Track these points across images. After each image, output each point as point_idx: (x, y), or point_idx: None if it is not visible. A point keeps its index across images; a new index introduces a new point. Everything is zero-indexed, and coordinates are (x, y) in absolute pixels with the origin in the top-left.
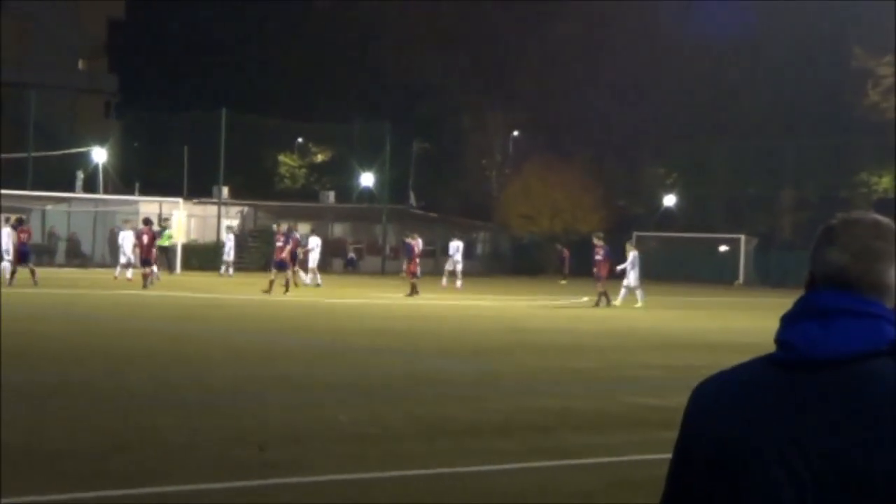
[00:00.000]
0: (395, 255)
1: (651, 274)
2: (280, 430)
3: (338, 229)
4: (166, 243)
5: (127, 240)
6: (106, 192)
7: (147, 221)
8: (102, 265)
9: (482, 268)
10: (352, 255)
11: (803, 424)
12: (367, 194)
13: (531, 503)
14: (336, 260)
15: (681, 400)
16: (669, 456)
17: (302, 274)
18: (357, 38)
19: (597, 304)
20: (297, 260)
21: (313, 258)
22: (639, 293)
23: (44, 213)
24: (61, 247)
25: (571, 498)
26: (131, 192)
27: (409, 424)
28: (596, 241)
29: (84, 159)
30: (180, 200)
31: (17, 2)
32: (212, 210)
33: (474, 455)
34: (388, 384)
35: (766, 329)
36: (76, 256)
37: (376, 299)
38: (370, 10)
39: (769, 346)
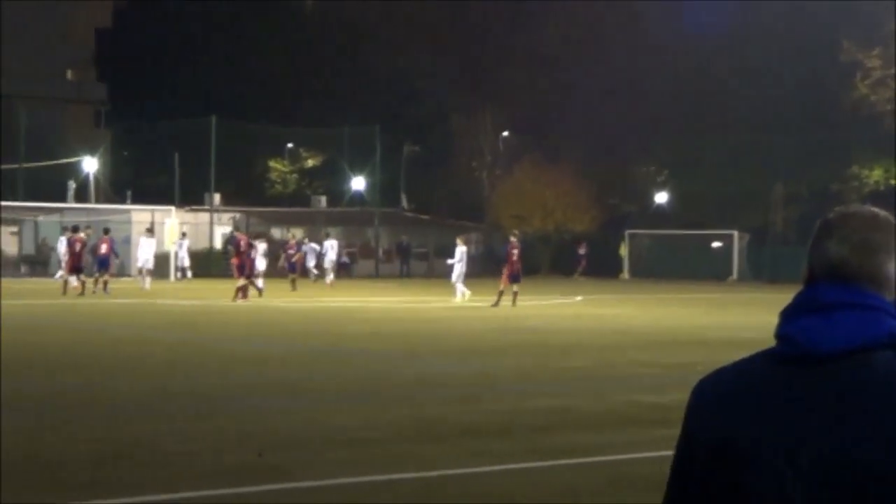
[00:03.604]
0: (387, 259)
1: (645, 271)
2: (278, 435)
3: (330, 233)
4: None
5: (62, 247)
6: (98, 201)
7: (76, 229)
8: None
9: (475, 269)
10: (345, 258)
11: (805, 419)
12: (358, 198)
13: (531, 503)
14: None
15: (678, 397)
16: (669, 453)
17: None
18: (345, 42)
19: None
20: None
21: (329, 260)
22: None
23: (36, 223)
24: (54, 257)
25: (572, 497)
26: (123, 201)
27: (408, 427)
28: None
29: (75, 169)
30: (172, 208)
31: (3, 12)
32: (204, 217)
33: (473, 456)
34: (384, 387)
35: (762, 324)
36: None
37: (371, 302)
38: (358, 12)
39: (765, 342)
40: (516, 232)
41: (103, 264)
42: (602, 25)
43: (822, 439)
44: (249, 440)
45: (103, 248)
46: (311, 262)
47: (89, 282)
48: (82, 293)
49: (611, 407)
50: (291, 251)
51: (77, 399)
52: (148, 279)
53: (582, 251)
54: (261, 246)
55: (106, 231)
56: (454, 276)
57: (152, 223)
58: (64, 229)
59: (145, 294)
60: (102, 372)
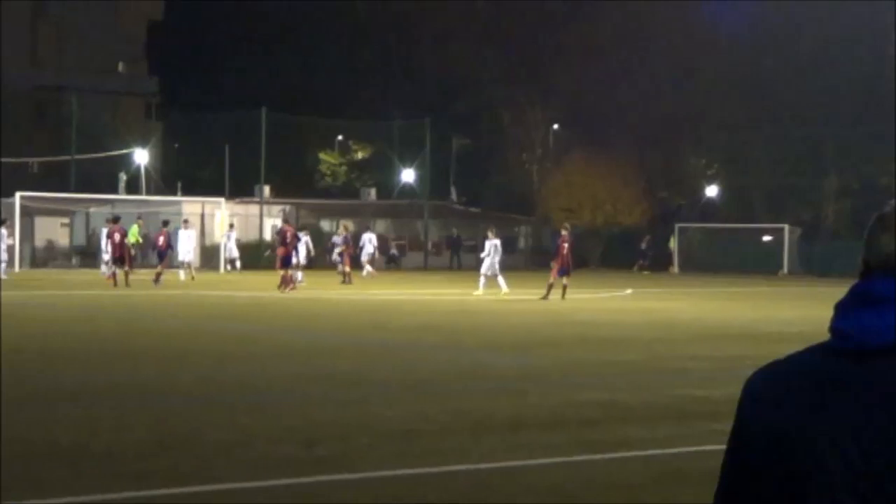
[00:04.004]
0: (437, 251)
1: (694, 265)
2: (326, 427)
3: (379, 226)
4: (132, 240)
5: (104, 238)
6: (148, 193)
7: (116, 219)
8: (146, 266)
9: (524, 262)
10: (394, 251)
11: (857, 413)
12: (408, 190)
13: (578, 497)
14: (378, 256)
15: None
16: (718, 447)
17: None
18: (396, 35)
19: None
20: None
21: (366, 253)
22: (482, 281)
23: (87, 215)
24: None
25: (619, 491)
26: (173, 193)
27: (455, 419)
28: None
29: (126, 161)
30: (222, 200)
31: (56, 6)
32: (254, 209)
33: (520, 449)
34: (433, 379)
35: (812, 318)
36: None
37: (419, 295)
38: (409, 5)
39: (816, 336)
40: (567, 225)
41: (161, 256)
42: (653, 19)
43: (873, 433)
44: (298, 432)
45: (161, 241)
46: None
47: (121, 273)
48: (115, 285)
49: (660, 401)
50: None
51: (127, 390)
52: (181, 272)
53: (644, 245)
54: (304, 238)
55: (165, 223)
56: (484, 267)
57: (201, 214)
58: (106, 221)
59: (194, 286)
60: (152, 363)
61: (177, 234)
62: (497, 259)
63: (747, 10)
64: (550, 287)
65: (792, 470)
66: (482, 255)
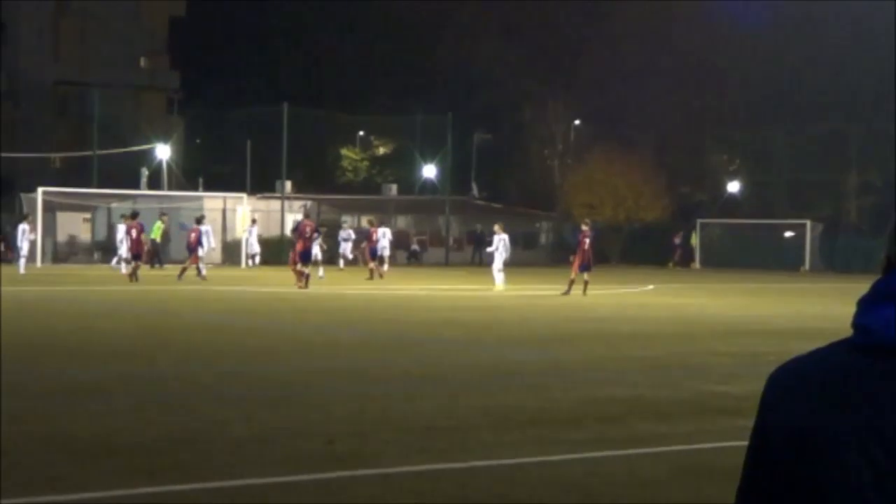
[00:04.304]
0: (458, 247)
1: (716, 261)
2: (347, 423)
3: (401, 221)
4: (156, 235)
5: (120, 234)
6: (170, 188)
7: (135, 215)
8: (170, 261)
9: (545, 258)
10: (415, 246)
11: (882, 410)
12: (429, 186)
13: (600, 493)
14: (399, 252)
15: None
16: (738, 443)
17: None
18: (417, 30)
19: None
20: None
21: (380, 247)
22: (496, 275)
23: (109, 210)
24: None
25: (640, 487)
26: (195, 188)
27: (477, 415)
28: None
29: (148, 156)
30: (244, 195)
31: (79, 1)
32: (275, 205)
33: (543, 445)
34: (454, 375)
35: (834, 314)
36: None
37: (440, 290)
38: (430, 1)
39: (838, 332)
40: (587, 220)
41: (192, 252)
42: (674, 14)
43: None
44: (320, 427)
45: (192, 237)
46: (344, 248)
47: (127, 268)
48: (135, 279)
49: (681, 396)
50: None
51: (148, 385)
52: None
53: (677, 241)
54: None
55: (198, 220)
56: (496, 264)
57: (223, 210)
58: (122, 216)
59: (215, 281)
60: (174, 358)
61: (186, 228)
62: (505, 254)
63: (770, 6)
64: (572, 283)
65: (815, 468)
66: (489, 249)
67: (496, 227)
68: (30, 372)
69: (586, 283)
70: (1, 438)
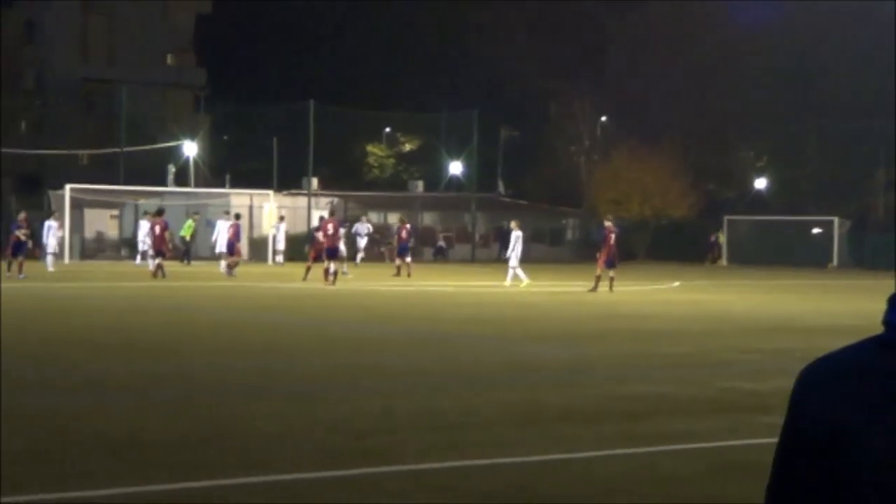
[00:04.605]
0: (484, 243)
1: (743, 258)
2: (374, 419)
3: (427, 218)
4: (186, 233)
5: (143, 230)
6: (197, 185)
7: (160, 212)
8: (197, 257)
9: (572, 254)
10: (441, 243)
11: None
12: (455, 182)
13: (625, 490)
14: (426, 248)
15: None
16: (765, 440)
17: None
18: (444, 27)
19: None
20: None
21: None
22: (509, 272)
23: (136, 207)
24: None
25: (666, 484)
26: (222, 185)
27: (503, 412)
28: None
29: (175, 153)
30: (271, 192)
31: (106, 0)
32: (302, 201)
33: (568, 442)
34: (480, 371)
35: (862, 311)
36: (169, 249)
37: (466, 287)
38: None
39: (866, 329)
40: (611, 216)
41: (230, 249)
42: (701, 10)
43: None
44: (347, 423)
45: (231, 233)
46: (360, 243)
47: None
48: (161, 275)
49: (708, 394)
50: (404, 234)
51: (178, 381)
52: (222, 263)
53: (714, 239)
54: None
55: (237, 217)
56: (513, 260)
57: (249, 207)
58: (144, 213)
59: (243, 278)
60: (201, 354)
61: (215, 225)
62: (519, 251)
63: (797, 2)
64: (598, 279)
65: (845, 465)
66: (508, 252)
67: (512, 224)
68: (59, 368)
69: (612, 279)
70: (35, 435)
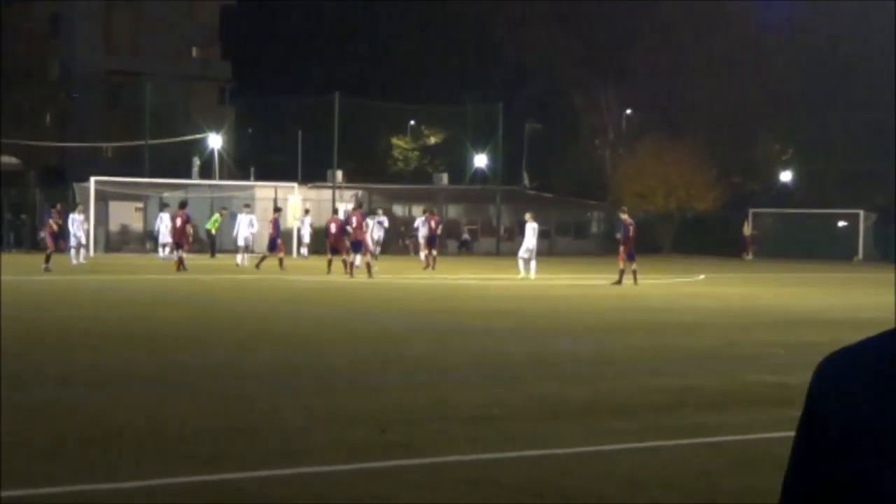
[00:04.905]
0: (508, 236)
1: (768, 251)
2: (399, 412)
3: (451, 211)
4: (212, 227)
5: (164, 223)
6: (221, 178)
7: (183, 204)
8: (221, 250)
9: (596, 247)
10: (466, 236)
11: None
12: (480, 175)
13: (651, 483)
14: (450, 241)
15: (801, 377)
16: (792, 434)
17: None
18: (468, 19)
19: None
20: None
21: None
22: (532, 264)
23: (161, 199)
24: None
25: (693, 477)
26: (246, 178)
27: (528, 405)
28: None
29: (199, 146)
30: (295, 185)
31: None
32: (326, 194)
33: (594, 435)
34: (505, 364)
35: (888, 305)
36: (194, 242)
37: (491, 280)
38: None
39: (890, 322)
40: (625, 208)
41: (272, 245)
42: (727, 2)
43: None
44: (372, 416)
45: (270, 229)
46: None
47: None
48: (182, 268)
49: (734, 387)
50: (433, 224)
51: (202, 373)
52: (240, 256)
53: (746, 233)
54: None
55: (276, 210)
56: (523, 251)
57: (274, 199)
58: (164, 206)
59: (267, 270)
60: (225, 347)
61: (236, 217)
62: (533, 242)
63: None
64: (622, 272)
65: (863, 459)
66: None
67: (527, 216)
68: (84, 361)
69: (635, 272)
70: (60, 427)
